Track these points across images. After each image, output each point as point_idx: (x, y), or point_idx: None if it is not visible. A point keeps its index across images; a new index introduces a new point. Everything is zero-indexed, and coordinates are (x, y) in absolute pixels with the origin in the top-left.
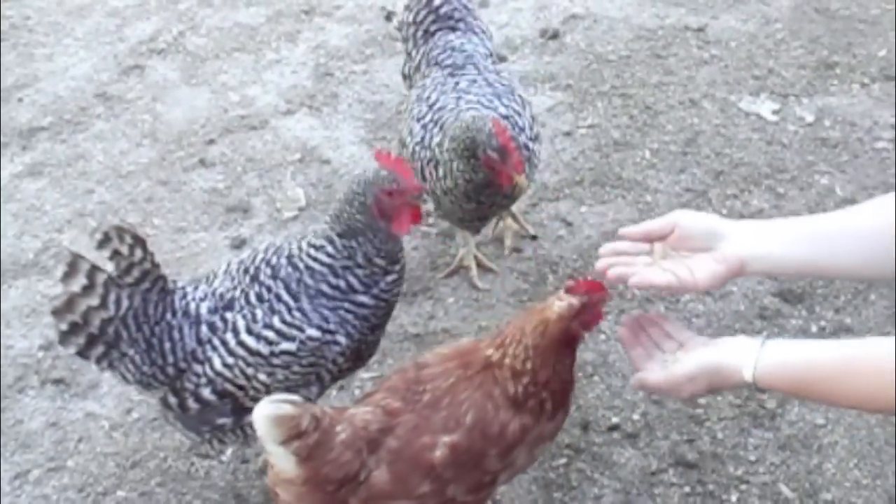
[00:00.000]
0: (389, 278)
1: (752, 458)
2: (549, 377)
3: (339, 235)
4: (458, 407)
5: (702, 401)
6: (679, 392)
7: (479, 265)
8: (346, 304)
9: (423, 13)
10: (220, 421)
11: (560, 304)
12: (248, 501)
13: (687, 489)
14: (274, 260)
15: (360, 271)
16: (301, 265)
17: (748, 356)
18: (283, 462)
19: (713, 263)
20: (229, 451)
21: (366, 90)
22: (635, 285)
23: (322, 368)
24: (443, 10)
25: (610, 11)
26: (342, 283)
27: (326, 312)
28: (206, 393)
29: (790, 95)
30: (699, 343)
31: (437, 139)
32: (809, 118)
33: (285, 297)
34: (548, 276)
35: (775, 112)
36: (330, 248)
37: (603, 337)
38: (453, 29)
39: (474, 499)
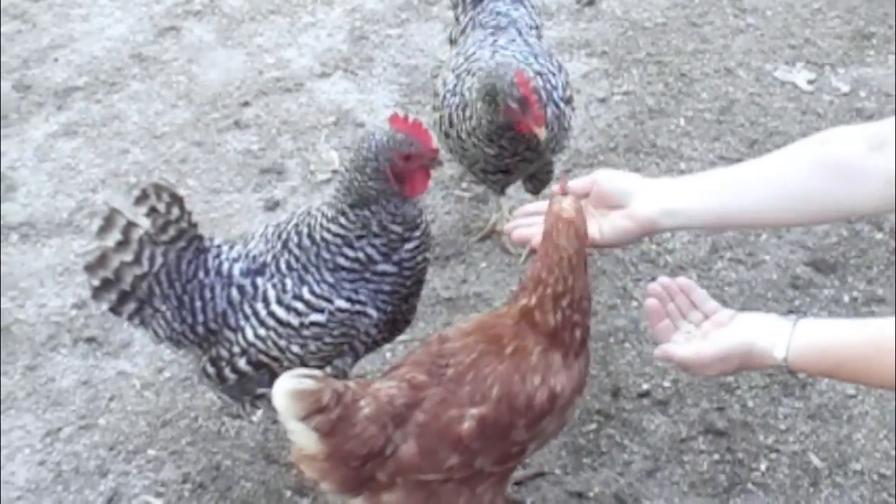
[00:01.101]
0: (410, 245)
1: (783, 427)
2: (583, 288)
3: (351, 206)
4: (483, 381)
5: None
6: (707, 370)
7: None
8: (367, 275)
9: None
10: (261, 391)
11: (566, 204)
12: (279, 461)
13: (716, 457)
14: (305, 228)
15: (377, 240)
16: (317, 237)
17: (781, 337)
18: (304, 438)
19: (623, 221)
20: (260, 413)
21: (401, 54)
22: (536, 246)
23: (355, 339)
24: None
25: None
26: (361, 255)
27: (349, 286)
28: (242, 363)
29: (826, 65)
30: (726, 317)
31: (468, 84)
32: (845, 88)
33: (312, 268)
34: None
35: (811, 82)
36: (343, 220)
37: (635, 304)
38: None
39: (502, 469)
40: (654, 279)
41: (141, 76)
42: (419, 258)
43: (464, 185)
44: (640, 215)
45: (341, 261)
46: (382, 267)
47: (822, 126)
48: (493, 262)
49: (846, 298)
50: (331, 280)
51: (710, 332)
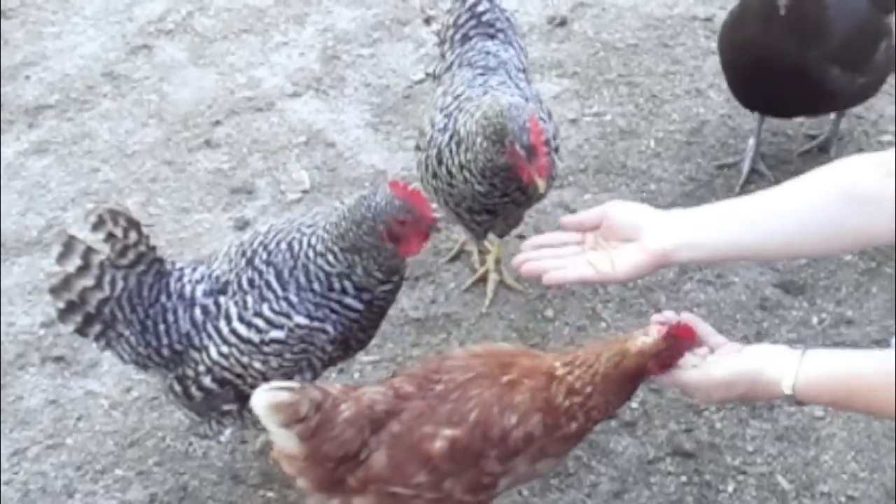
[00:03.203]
0: (385, 287)
1: (750, 448)
2: (598, 406)
3: (342, 249)
4: (465, 403)
5: None
6: (711, 395)
7: (503, 283)
8: (334, 305)
9: (464, 16)
10: (227, 407)
11: (645, 339)
12: (246, 482)
13: (684, 478)
14: (272, 245)
15: (355, 279)
16: (299, 260)
17: (788, 367)
18: (285, 441)
19: (636, 254)
20: (228, 432)
21: (372, 74)
22: (549, 282)
23: (312, 356)
24: (485, 17)
25: (618, 0)
26: (336, 286)
27: (310, 306)
28: (207, 381)
29: None
30: (734, 350)
31: (461, 120)
32: None
33: (274, 284)
34: None
35: None
36: (330, 257)
37: (604, 325)
38: (492, 37)
39: (473, 499)
40: (623, 300)
41: (112, 94)
42: (389, 298)
43: (434, 205)
44: (655, 248)
45: (315, 286)
46: (352, 302)
47: (793, 147)
48: (462, 282)
49: (815, 320)
50: (294, 299)
51: (719, 360)
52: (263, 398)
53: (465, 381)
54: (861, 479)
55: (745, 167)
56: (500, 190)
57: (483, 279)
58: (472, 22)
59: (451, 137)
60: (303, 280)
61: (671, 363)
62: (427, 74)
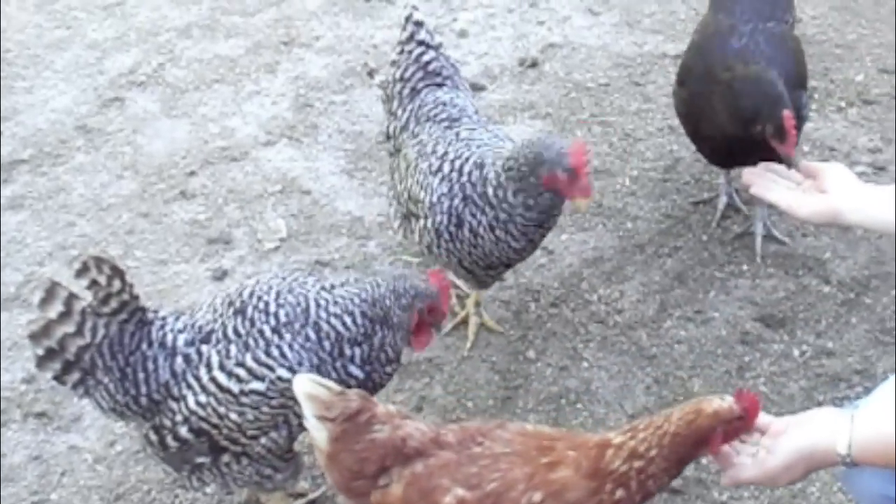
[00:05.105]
0: (389, 368)
1: None
2: (656, 474)
3: (365, 314)
4: (491, 472)
5: None
6: (776, 482)
7: (484, 325)
8: (338, 369)
9: (411, 69)
10: (199, 460)
11: (721, 402)
12: None
13: None
14: (271, 296)
15: (365, 348)
16: (311, 316)
17: (841, 434)
18: (315, 432)
19: (818, 203)
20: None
21: (345, 120)
22: (752, 192)
23: (290, 411)
24: (431, 67)
25: (588, 40)
26: (346, 352)
27: (304, 355)
28: (184, 431)
29: None
30: (782, 425)
31: (474, 177)
32: None
33: (268, 334)
34: (529, 304)
35: None
36: (348, 320)
37: (585, 364)
38: (440, 86)
39: None
40: (605, 339)
41: (86, 148)
42: (386, 380)
43: (413, 249)
44: (831, 204)
45: (325, 345)
46: (354, 370)
47: None
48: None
49: (796, 353)
50: (288, 352)
51: (771, 446)
52: (303, 384)
53: (500, 455)
54: None
55: (721, 203)
56: (536, 243)
57: (464, 322)
58: (419, 74)
59: (464, 201)
60: (312, 336)
61: (736, 435)
62: (386, 136)
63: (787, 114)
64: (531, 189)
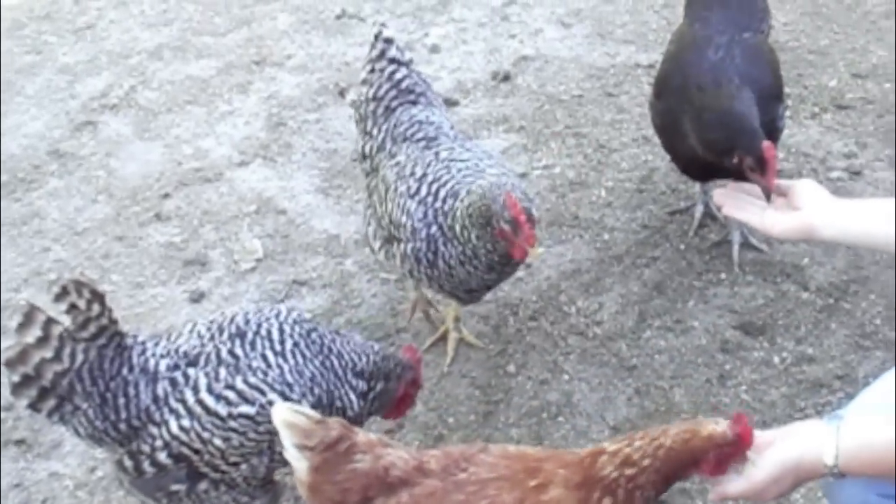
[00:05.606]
0: (368, 412)
1: None
2: (645, 486)
3: (360, 374)
4: (478, 499)
5: None
6: (765, 495)
7: (463, 341)
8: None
9: (384, 88)
10: (175, 487)
11: (717, 426)
12: None
13: None
14: (270, 324)
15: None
16: (313, 349)
17: (827, 445)
18: (294, 462)
19: (792, 220)
20: None
21: (319, 139)
22: (725, 212)
23: (276, 437)
24: (404, 84)
25: (560, 52)
26: (336, 394)
27: (297, 378)
28: (162, 456)
29: None
30: (768, 438)
31: (447, 206)
32: None
33: (271, 358)
34: (508, 318)
35: None
36: (364, 358)
37: (566, 377)
38: (414, 103)
39: None
40: (584, 351)
41: (59, 172)
42: (364, 420)
43: (388, 267)
44: (806, 220)
45: (315, 378)
46: (354, 400)
47: None
48: (422, 343)
49: (776, 360)
50: (288, 375)
51: (757, 459)
52: (282, 412)
53: (487, 480)
54: None
55: (697, 212)
56: (508, 273)
57: (443, 338)
58: (393, 92)
59: (440, 230)
60: (336, 364)
61: (725, 463)
62: (362, 156)
63: (768, 145)
64: (489, 236)
